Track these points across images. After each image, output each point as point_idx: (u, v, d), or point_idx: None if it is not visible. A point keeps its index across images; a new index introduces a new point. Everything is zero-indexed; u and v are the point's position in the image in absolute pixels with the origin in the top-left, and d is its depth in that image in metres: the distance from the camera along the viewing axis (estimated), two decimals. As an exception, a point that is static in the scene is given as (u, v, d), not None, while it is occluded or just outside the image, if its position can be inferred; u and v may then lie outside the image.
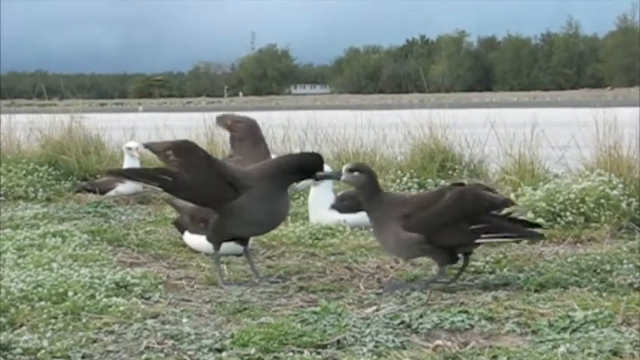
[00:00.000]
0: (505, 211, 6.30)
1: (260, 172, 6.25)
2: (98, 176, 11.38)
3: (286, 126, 12.41)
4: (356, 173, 6.21)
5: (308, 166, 6.28)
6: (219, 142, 11.83)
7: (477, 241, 6.02)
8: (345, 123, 12.12)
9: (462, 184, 6.44)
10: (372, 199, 6.16)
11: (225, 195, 6.11)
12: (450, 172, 10.64)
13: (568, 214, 7.80)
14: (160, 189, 6.31)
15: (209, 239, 6.43)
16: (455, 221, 5.96)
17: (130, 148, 10.95)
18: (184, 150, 6.20)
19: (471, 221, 5.96)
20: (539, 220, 7.63)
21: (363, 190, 6.20)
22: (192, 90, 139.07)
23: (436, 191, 6.48)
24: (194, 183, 6.10)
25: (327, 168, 8.34)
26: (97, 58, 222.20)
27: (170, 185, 6.17)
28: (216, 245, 6.37)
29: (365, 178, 6.17)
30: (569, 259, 6.55)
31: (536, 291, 5.77)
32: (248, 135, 7.08)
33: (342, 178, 6.30)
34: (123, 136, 12.99)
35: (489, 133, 10.91)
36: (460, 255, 6.10)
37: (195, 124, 12.49)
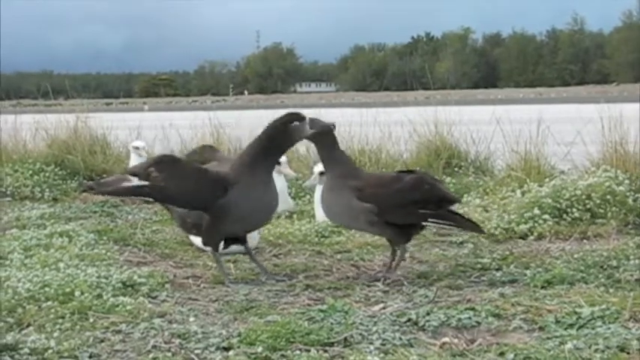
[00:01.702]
0: None
1: (241, 163, 6.24)
2: (104, 175, 11.37)
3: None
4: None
5: (286, 131, 6.28)
6: (224, 141, 11.83)
7: (424, 223, 6.27)
8: (350, 120, 12.09)
9: (413, 172, 6.62)
10: (333, 158, 6.41)
11: (215, 194, 6.10)
12: (456, 169, 10.63)
13: (574, 210, 7.79)
14: (150, 199, 6.29)
15: (206, 243, 6.44)
16: (408, 203, 6.18)
17: (137, 148, 10.93)
18: (165, 164, 6.24)
19: (421, 206, 6.20)
20: (545, 217, 7.67)
21: (320, 146, 6.48)
22: (197, 89, 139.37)
23: (393, 175, 6.56)
24: (182, 190, 6.12)
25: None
26: (102, 57, 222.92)
27: (158, 193, 6.16)
28: (215, 247, 6.35)
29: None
30: (575, 256, 6.55)
31: (542, 287, 5.77)
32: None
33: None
34: (129, 135, 13.00)
35: (495, 130, 10.89)
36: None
37: (200, 123, 12.48)
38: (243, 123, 12.44)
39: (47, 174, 11.40)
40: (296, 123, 6.25)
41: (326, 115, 12.72)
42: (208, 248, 7.10)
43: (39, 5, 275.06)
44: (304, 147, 11.76)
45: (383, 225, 6.20)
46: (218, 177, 6.16)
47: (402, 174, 6.48)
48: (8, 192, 10.91)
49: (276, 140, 6.27)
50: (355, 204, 6.15)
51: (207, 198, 6.11)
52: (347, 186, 6.19)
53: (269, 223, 7.22)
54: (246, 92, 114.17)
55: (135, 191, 6.26)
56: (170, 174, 6.13)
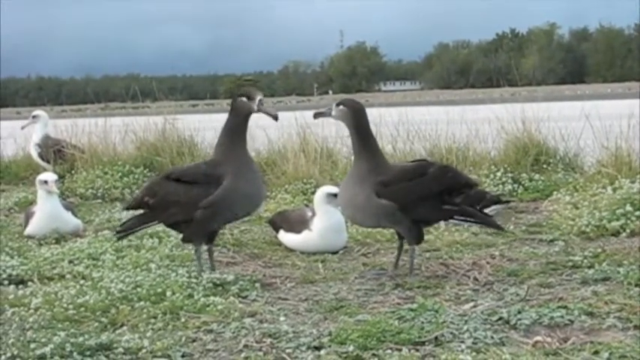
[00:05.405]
0: None
1: (219, 151, 6.56)
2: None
3: (378, 123, 12.35)
4: (341, 107, 6.31)
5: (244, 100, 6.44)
6: (311, 140, 11.83)
7: (449, 220, 6.38)
8: (436, 119, 12.02)
9: (426, 160, 6.77)
10: (363, 146, 6.26)
11: (208, 192, 6.22)
12: (545, 165, 10.49)
13: (667, 206, 7.64)
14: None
15: (188, 240, 6.49)
16: (433, 195, 6.15)
17: None
18: (155, 187, 6.47)
19: (447, 198, 6.16)
20: (638, 213, 7.53)
21: (349, 126, 6.32)
22: (282, 89, 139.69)
23: (416, 165, 6.43)
24: (177, 202, 6.29)
25: None
26: (186, 59, 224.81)
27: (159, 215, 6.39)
28: (199, 243, 6.44)
29: (348, 112, 6.27)
30: (670, 253, 6.44)
31: (637, 285, 5.68)
32: None
33: (332, 113, 6.37)
34: (215, 136, 13.05)
35: (584, 126, 10.74)
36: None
37: (286, 123, 12.49)
38: (329, 122, 12.43)
39: (136, 176, 11.54)
40: (243, 99, 6.43)
41: (412, 113, 12.73)
42: (298, 247, 7.16)
43: (123, 8, 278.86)
44: (390, 145, 11.72)
45: (405, 222, 6.16)
46: (206, 176, 6.33)
47: (426, 165, 6.36)
48: (99, 194, 11.08)
49: (234, 112, 6.53)
50: (374, 202, 6.09)
51: (201, 199, 6.23)
52: (369, 182, 6.13)
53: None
54: (330, 92, 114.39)
55: (141, 220, 6.51)
56: (162, 193, 6.35)
